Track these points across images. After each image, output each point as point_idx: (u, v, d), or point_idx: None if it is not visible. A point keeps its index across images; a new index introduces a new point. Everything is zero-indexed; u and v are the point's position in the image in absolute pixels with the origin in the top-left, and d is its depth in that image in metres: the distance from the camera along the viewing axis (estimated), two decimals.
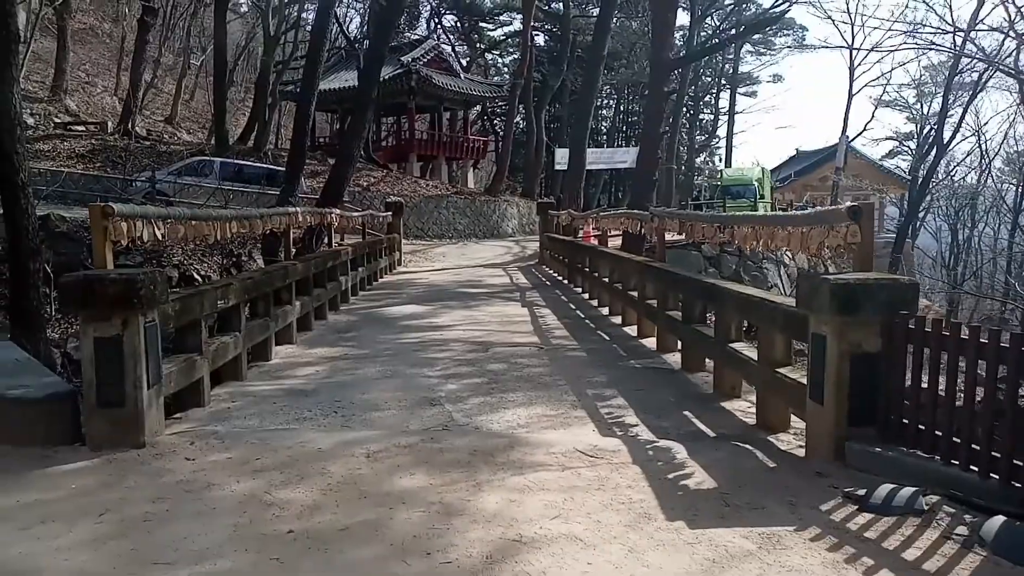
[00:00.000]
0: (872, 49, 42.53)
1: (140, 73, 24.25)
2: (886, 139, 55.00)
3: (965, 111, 26.56)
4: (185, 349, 4.96)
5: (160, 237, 4.88)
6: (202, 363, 4.95)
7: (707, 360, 6.08)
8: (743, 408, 4.99)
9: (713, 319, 5.79)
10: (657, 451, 3.89)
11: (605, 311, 9.67)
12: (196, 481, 3.51)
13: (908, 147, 57.07)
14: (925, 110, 53.79)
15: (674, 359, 6.59)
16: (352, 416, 4.74)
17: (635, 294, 8.12)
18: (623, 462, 3.70)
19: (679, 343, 6.69)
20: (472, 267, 17.44)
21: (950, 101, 26.59)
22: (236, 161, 21.78)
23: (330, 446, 3.99)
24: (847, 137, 41.39)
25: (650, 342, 7.41)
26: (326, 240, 11.34)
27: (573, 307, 10.38)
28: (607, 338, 7.81)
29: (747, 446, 4.01)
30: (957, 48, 19.85)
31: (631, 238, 13.72)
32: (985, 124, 60.18)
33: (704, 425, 4.59)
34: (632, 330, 8.18)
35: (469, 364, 6.35)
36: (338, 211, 10.87)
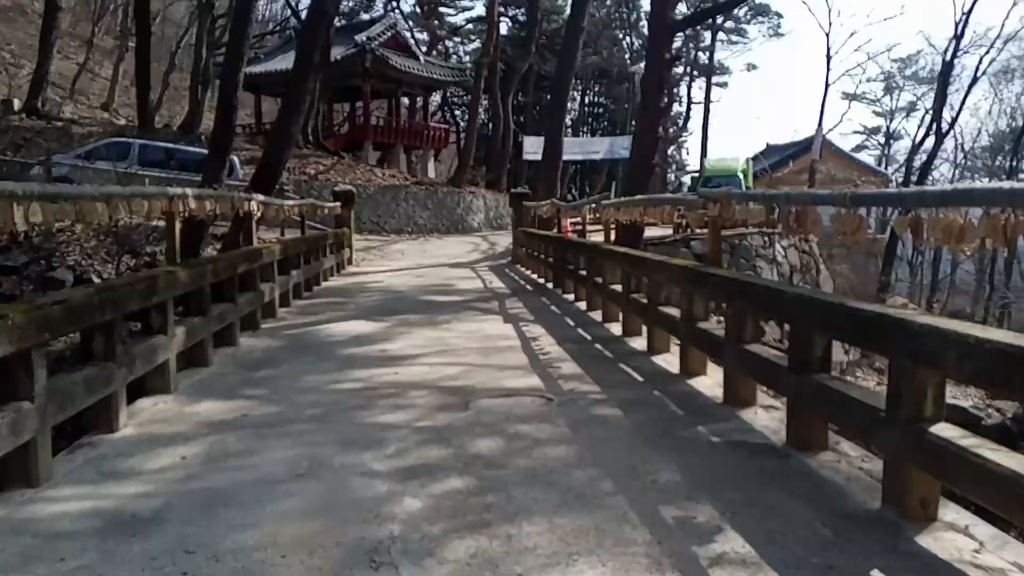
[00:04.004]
0: None
1: (51, 44, 21.06)
2: (853, 133, 54.08)
3: (966, 94, 24.73)
4: None
5: None
6: None
7: (824, 424, 3.75)
8: (968, 553, 2.62)
9: (863, 372, 3.42)
10: None
11: (616, 329, 7.26)
12: None
13: (877, 141, 56.27)
14: (893, 104, 52.99)
15: (761, 421, 4.20)
16: None
17: (673, 312, 5.72)
18: None
19: (767, 392, 4.33)
20: (436, 267, 14.94)
21: (921, 96, 25.07)
22: (163, 144, 18.90)
23: None
24: (822, 128, 39.88)
25: (705, 385, 5.03)
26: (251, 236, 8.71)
27: (571, 322, 7.96)
28: (639, 378, 5.38)
29: None
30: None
31: (630, 233, 11.34)
32: (956, 118, 59.47)
33: None
34: (666, 361, 5.80)
35: (441, 441, 3.86)
36: (261, 197, 8.26)
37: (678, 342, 6.08)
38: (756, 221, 4.46)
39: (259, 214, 8.05)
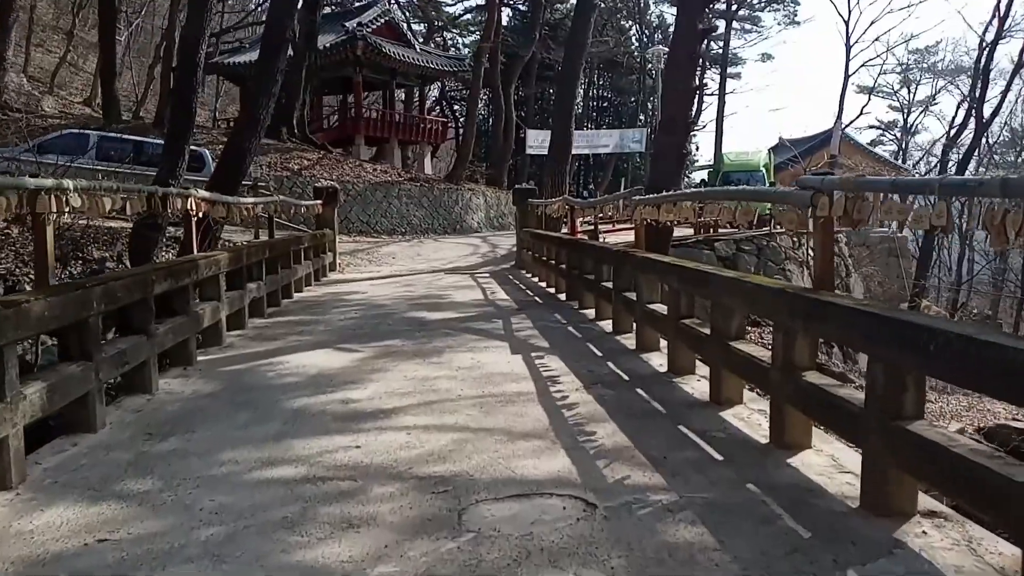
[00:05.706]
0: None
1: (8, 28, 19.36)
2: (868, 127, 52.45)
3: (1011, 80, 22.97)
4: None
5: None
6: None
7: None
8: None
9: None
10: None
11: (657, 362, 5.57)
12: None
13: (893, 135, 54.52)
14: (911, 97, 51.36)
15: (944, 553, 2.51)
16: None
17: (756, 353, 4.04)
18: None
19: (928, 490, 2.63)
20: (430, 273, 13.25)
21: (939, 89, 23.38)
22: (130, 137, 17.18)
23: None
24: (842, 122, 38.30)
25: (819, 469, 3.34)
26: (192, 241, 6.99)
27: (596, 351, 6.25)
28: (715, 454, 3.64)
29: None
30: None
31: (655, 232, 9.63)
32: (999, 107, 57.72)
33: None
34: (742, 420, 4.10)
35: None
36: (204, 193, 6.56)
37: (751, 386, 4.46)
38: (931, 224, 2.75)
39: (199, 214, 6.33)
